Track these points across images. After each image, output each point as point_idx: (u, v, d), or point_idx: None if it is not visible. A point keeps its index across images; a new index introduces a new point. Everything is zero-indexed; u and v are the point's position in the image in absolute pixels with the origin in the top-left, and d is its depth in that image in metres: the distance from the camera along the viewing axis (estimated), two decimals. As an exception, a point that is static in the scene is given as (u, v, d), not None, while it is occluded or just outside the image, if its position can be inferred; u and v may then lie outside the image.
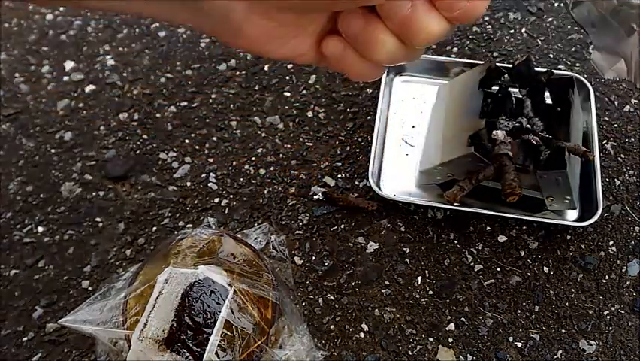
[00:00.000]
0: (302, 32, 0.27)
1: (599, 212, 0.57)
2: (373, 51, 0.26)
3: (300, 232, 0.60)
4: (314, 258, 0.58)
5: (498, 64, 0.62)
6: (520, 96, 0.59)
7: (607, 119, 0.68)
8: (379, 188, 0.61)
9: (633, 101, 0.69)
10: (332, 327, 0.54)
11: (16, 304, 0.56)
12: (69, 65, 0.74)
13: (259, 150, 0.66)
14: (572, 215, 0.60)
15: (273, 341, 0.47)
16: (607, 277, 0.57)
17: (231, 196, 0.63)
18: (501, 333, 0.54)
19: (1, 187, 0.64)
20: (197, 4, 0.24)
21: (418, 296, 0.56)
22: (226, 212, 0.62)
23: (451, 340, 0.54)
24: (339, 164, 0.65)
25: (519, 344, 0.54)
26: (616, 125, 0.68)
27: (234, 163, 0.65)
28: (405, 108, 0.69)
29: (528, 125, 0.57)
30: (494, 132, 0.56)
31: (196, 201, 0.62)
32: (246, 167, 0.65)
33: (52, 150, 0.67)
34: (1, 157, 0.66)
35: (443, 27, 0.25)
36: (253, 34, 0.26)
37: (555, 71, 0.63)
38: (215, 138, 0.67)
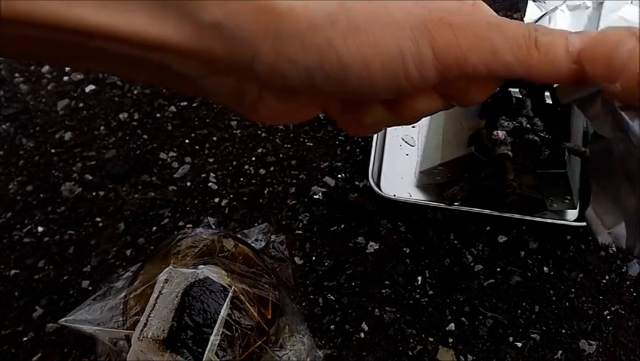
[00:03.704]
0: (309, 104, 0.27)
1: (599, 212, 0.57)
2: (363, 117, 0.26)
3: (300, 232, 0.60)
4: (314, 258, 0.58)
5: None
6: (520, 96, 0.59)
7: (607, 119, 0.68)
8: (379, 188, 0.61)
9: (633, 101, 0.69)
10: (332, 327, 0.54)
11: (16, 304, 0.56)
12: (69, 65, 0.74)
13: (259, 150, 0.66)
14: (572, 215, 0.60)
15: (273, 341, 0.47)
16: (607, 277, 0.57)
17: (231, 196, 0.63)
18: (501, 333, 0.54)
19: (1, 187, 0.64)
20: (207, 86, 0.24)
21: (418, 296, 0.56)
22: (226, 212, 0.62)
23: (451, 340, 0.54)
24: (339, 164, 0.65)
25: (519, 344, 0.54)
26: (616, 126, 0.68)
27: (234, 163, 0.65)
28: (405, 108, 0.69)
29: (528, 125, 0.57)
30: (494, 132, 0.56)
31: (196, 201, 0.62)
32: (246, 167, 0.65)
33: (52, 150, 0.66)
34: (1, 157, 0.66)
35: (435, 105, 0.25)
36: (266, 112, 0.26)
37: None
38: (215, 138, 0.67)
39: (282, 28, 0.21)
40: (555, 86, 0.27)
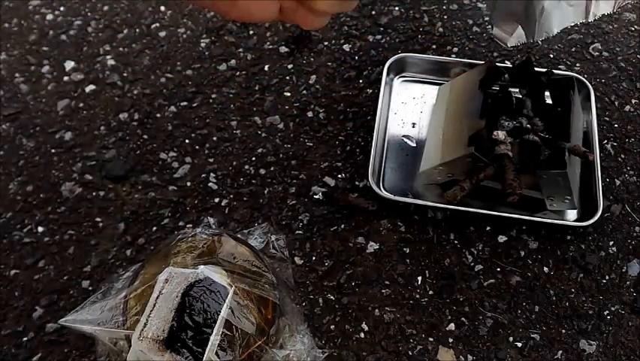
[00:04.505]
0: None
1: (599, 212, 0.57)
2: (313, 2, 0.30)
3: (300, 232, 0.60)
4: (314, 258, 0.58)
5: (498, 64, 0.62)
6: (520, 96, 0.59)
7: (607, 119, 0.68)
8: (379, 188, 0.61)
9: (633, 101, 0.69)
10: (332, 327, 0.54)
11: (16, 304, 0.56)
12: (69, 65, 0.74)
13: (259, 150, 0.66)
14: (572, 215, 0.60)
15: (273, 341, 0.47)
16: (607, 277, 0.57)
17: (231, 196, 0.63)
18: (501, 333, 0.54)
19: (1, 187, 0.64)
20: None
21: (418, 296, 0.56)
22: (226, 212, 0.62)
23: (451, 340, 0.54)
24: (339, 164, 0.65)
25: (519, 344, 0.54)
26: (616, 125, 0.68)
27: (234, 163, 0.65)
28: (405, 108, 0.69)
29: (528, 125, 0.57)
30: (495, 132, 0.56)
31: (196, 201, 0.62)
32: (246, 167, 0.65)
33: (52, 150, 0.66)
34: (1, 157, 0.66)
35: None
36: (245, 5, 0.30)
37: (555, 71, 0.63)
38: (215, 138, 0.67)
39: None
40: None
